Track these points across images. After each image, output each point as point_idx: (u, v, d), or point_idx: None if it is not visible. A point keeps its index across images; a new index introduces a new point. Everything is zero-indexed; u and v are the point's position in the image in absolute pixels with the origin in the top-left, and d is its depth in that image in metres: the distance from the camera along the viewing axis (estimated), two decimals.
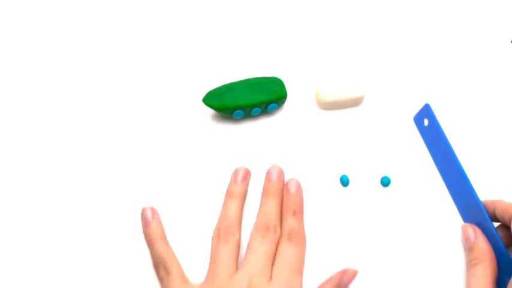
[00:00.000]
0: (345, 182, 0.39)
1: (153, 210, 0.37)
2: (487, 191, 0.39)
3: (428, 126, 0.40)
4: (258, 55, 0.48)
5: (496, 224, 0.34)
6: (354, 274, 0.35)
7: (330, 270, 0.35)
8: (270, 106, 0.42)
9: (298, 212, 0.36)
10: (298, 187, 0.37)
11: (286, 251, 0.34)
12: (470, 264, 0.33)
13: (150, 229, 0.36)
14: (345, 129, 0.43)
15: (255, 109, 0.41)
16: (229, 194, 0.37)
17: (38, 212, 0.38)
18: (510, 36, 0.51)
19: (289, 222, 0.35)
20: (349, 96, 0.43)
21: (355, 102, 0.44)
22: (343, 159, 0.41)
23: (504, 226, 0.34)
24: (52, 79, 0.46)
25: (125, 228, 0.37)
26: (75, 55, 0.48)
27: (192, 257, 0.36)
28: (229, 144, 0.42)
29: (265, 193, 0.37)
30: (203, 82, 0.46)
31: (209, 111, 0.44)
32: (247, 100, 0.40)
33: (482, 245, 0.33)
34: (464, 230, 0.35)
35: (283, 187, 0.38)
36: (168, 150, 0.41)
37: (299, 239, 0.35)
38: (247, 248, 0.34)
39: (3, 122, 0.43)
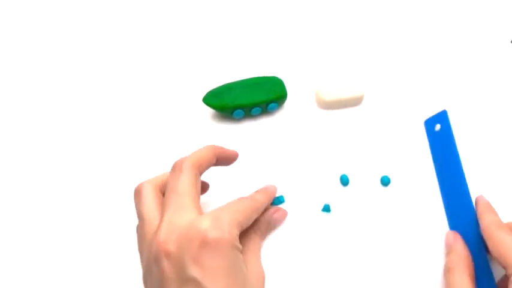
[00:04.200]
0: (345, 181, 0.39)
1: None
2: (481, 190, 0.39)
3: (439, 132, 0.40)
4: (258, 55, 0.48)
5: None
6: (284, 215, 0.37)
7: (330, 270, 0.35)
8: (270, 106, 0.42)
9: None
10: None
11: None
12: (445, 268, 0.33)
13: None
14: (345, 128, 0.43)
15: (255, 109, 0.41)
16: None
17: (38, 211, 0.38)
18: (510, 36, 0.51)
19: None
20: (349, 96, 0.43)
21: (355, 102, 0.44)
22: (343, 159, 0.41)
23: None
24: (53, 80, 0.46)
25: (124, 228, 0.37)
26: (76, 56, 0.48)
27: None
28: (230, 144, 0.42)
29: None
30: (203, 82, 0.46)
31: (209, 111, 0.44)
32: (247, 100, 0.41)
33: (460, 250, 0.33)
34: (446, 236, 0.36)
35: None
36: (169, 150, 0.41)
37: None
38: None
39: (5, 122, 0.43)
